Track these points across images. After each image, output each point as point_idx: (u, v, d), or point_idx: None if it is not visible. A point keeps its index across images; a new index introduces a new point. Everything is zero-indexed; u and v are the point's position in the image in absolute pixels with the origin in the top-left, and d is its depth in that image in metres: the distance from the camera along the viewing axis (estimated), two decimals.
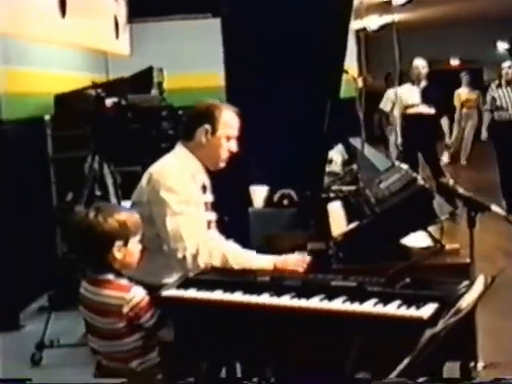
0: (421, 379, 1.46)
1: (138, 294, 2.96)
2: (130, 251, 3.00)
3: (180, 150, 3.49)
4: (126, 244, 2.98)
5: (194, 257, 3.18)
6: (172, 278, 3.26)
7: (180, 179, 3.34)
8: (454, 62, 13.45)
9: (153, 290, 3.01)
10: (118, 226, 2.94)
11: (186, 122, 3.59)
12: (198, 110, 3.59)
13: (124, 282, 3.01)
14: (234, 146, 3.48)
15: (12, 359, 5.23)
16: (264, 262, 3.22)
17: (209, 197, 3.51)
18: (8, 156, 5.93)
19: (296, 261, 3.18)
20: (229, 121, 3.46)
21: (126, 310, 2.93)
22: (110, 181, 5.52)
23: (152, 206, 3.32)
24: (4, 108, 5.90)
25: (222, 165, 3.50)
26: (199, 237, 3.25)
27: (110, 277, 2.99)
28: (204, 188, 3.47)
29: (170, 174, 3.35)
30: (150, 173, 3.39)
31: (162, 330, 3.01)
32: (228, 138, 3.45)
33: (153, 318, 2.96)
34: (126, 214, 3.04)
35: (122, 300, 2.94)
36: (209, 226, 3.44)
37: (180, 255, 3.20)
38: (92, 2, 7.02)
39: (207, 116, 3.45)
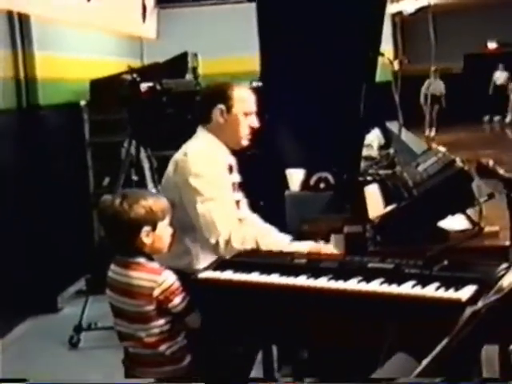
0: (437, 379, 1.43)
1: (169, 278, 2.96)
2: (158, 236, 2.99)
3: (201, 134, 3.45)
4: (154, 229, 2.96)
5: (227, 242, 3.14)
6: (200, 264, 3.24)
7: (206, 163, 3.29)
8: (492, 45, 13.31)
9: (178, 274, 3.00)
10: (144, 212, 2.93)
11: (200, 105, 3.54)
12: (210, 91, 3.57)
13: (155, 265, 3.00)
14: (254, 121, 3.43)
15: (50, 342, 5.31)
16: (298, 249, 3.15)
17: (236, 177, 3.44)
18: (45, 141, 5.99)
19: (330, 252, 3.14)
20: (242, 97, 3.41)
21: (156, 292, 2.92)
22: (146, 165, 5.53)
23: (182, 193, 3.27)
24: (40, 93, 5.96)
25: (245, 142, 3.44)
26: (232, 222, 3.22)
27: (141, 260, 2.99)
28: (230, 168, 3.40)
29: (196, 159, 3.30)
30: (175, 160, 3.35)
31: (189, 317, 2.99)
32: (245, 114, 3.40)
33: (182, 304, 2.96)
34: (152, 199, 3.01)
35: (153, 282, 2.93)
36: (237, 206, 3.41)
37: (213, 241, 3.16)
38: None
39: (219, 96, 3.40)
